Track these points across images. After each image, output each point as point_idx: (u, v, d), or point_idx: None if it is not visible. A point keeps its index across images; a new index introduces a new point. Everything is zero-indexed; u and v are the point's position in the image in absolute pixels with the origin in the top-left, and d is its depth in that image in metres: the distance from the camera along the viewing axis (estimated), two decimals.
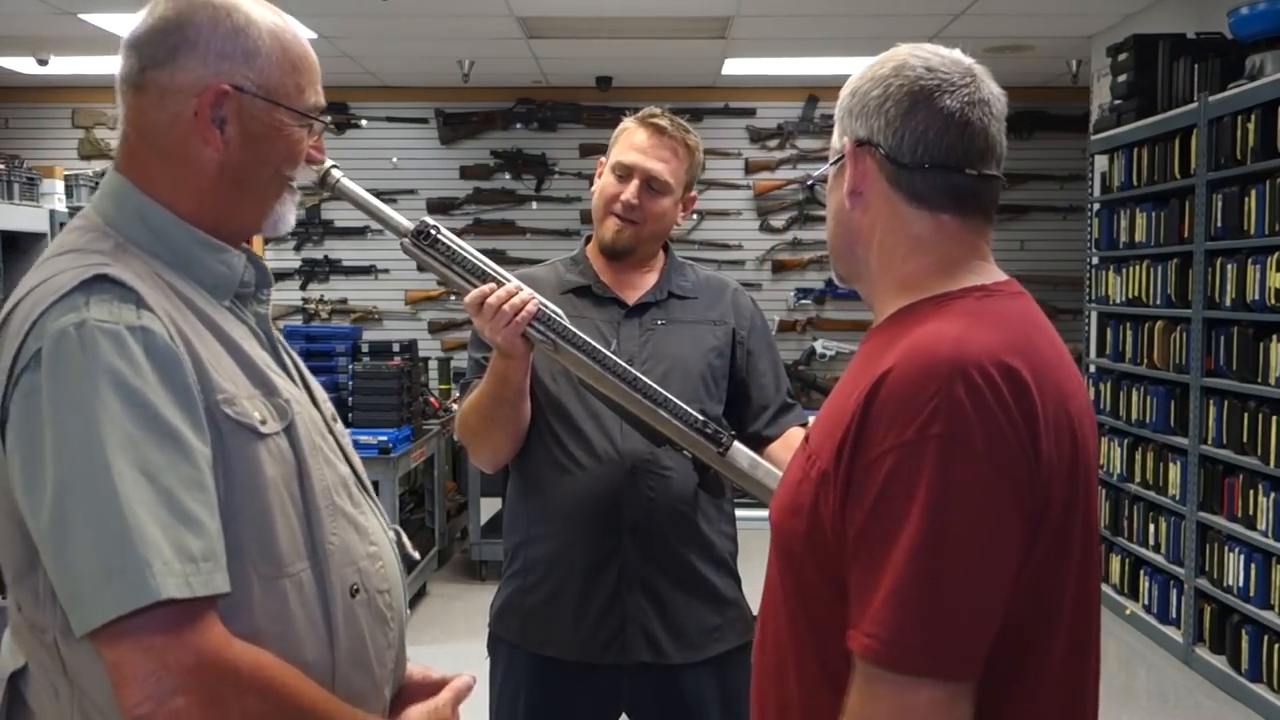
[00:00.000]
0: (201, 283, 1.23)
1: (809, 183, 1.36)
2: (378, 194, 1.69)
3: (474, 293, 1.77)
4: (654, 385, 1.82)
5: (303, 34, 1.29)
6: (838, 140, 1.28)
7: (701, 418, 1.83)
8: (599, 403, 1.93)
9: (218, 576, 1.09)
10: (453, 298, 7.41)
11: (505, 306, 1.76)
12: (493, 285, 1.77)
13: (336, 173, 1.51)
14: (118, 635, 1.05)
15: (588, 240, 2.16)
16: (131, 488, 1.06)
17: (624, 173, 2.03)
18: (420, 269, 1.82)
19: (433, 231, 1.74)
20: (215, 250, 1.24)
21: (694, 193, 2.12)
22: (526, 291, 1.78)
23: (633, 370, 1.82)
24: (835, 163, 1.29)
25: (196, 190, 1.22)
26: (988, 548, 1.06)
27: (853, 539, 1.10)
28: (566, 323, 1.81)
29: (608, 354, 1.81)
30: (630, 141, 2.04)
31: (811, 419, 1.37)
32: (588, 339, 1.81)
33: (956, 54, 1.24)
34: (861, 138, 1.23)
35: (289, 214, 1.31)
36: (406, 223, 1.73)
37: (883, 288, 1.26)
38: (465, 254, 1.78)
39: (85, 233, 1.21)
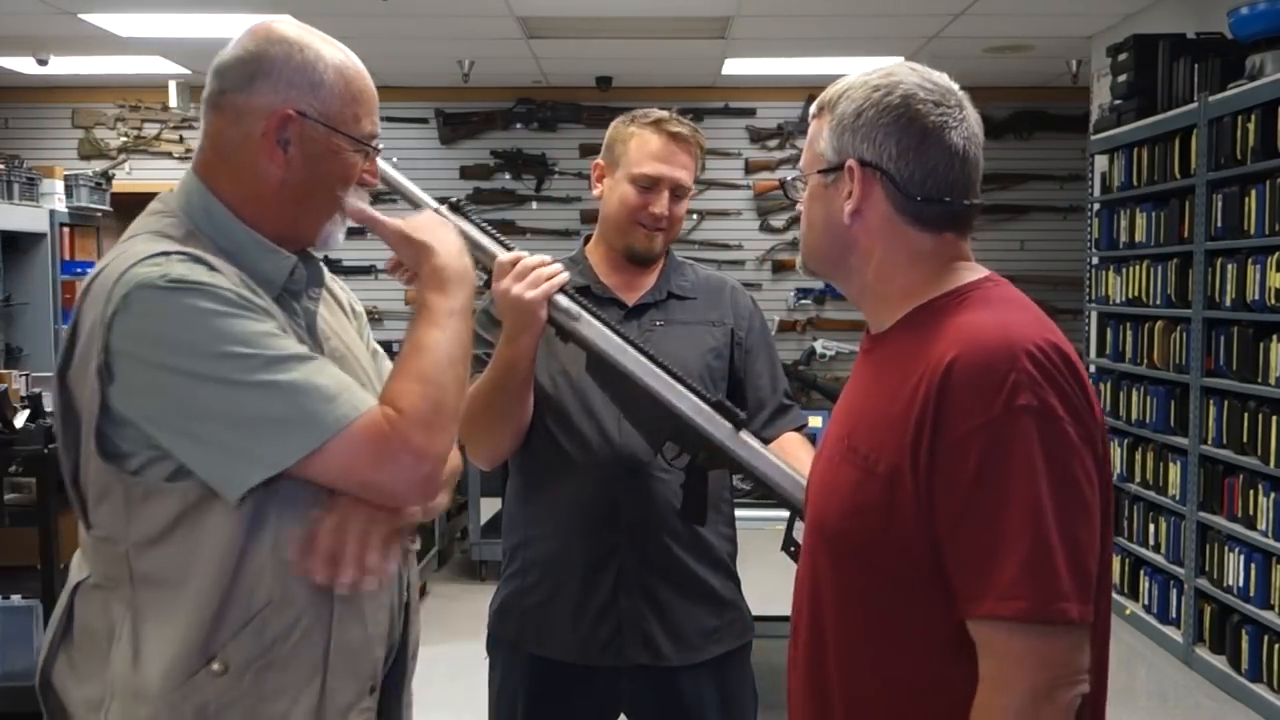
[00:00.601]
0: (251, 276, 1.36)
1: (788, 179, 1.40)
2: (379, 195, 1.69)
3: (509, 255, 1.80)
4: (669, 365, 1.84)
5: (366, 71, 1.44)
6: (831, 152, 1.31)
7: (716, 396, 1.85)
8: (597, 404, 1.93)
9: (354, 402, 1.29)
10: None
11: (540, 269, 1.79)
12: (524, 253, 1.81)
13: None
14: (323, 459, 1.26)
15: (587, 240, 2.16)
16: (272, 364, 1.25)
17: (649, 184, 2.01)
18: None
19: (463, 203, 1.79)
20: (267, 250, 1.40)
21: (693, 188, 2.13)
22: (557, 264, 1.82)
23: (648, 350, 1.84)
24: (825, 171, 1.32)
25: (258, 200, 1.39)
26: (1088, 499, 1.17)
27: (952, 517, 1.16)
28: (586, 301, 1.83)
29: (625, 332, 1.83)
30: (648, 150, 2.01)
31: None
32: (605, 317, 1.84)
33: (945, 79, 1.30)
34: (868, 161, 1.27)
35: (339, 232, 1.48)
36: (434, 203, 1.74)
37: (879, 295, 1.33)
38: (492, 233, 1.83)
39: (163, 217, 1.38)
